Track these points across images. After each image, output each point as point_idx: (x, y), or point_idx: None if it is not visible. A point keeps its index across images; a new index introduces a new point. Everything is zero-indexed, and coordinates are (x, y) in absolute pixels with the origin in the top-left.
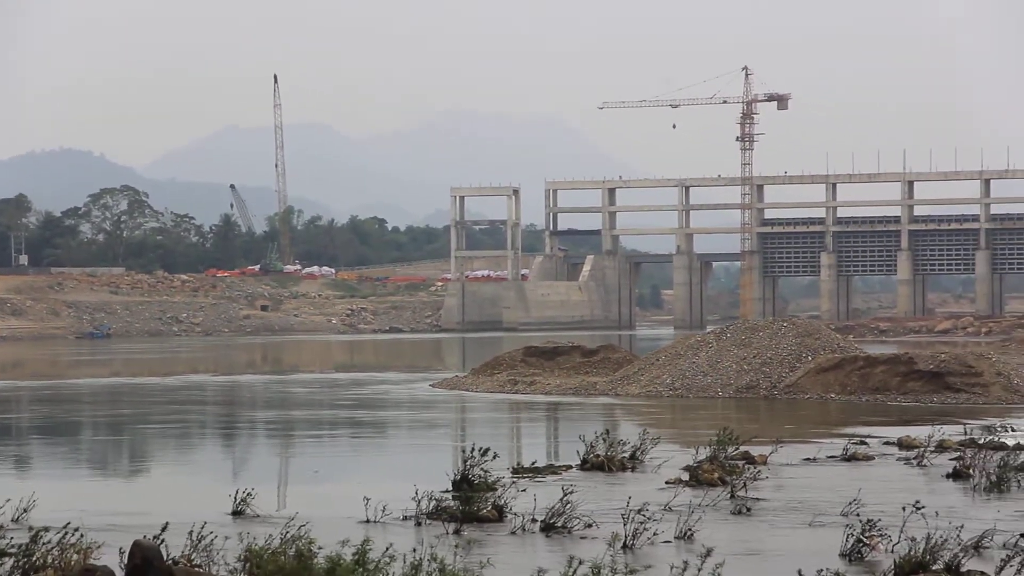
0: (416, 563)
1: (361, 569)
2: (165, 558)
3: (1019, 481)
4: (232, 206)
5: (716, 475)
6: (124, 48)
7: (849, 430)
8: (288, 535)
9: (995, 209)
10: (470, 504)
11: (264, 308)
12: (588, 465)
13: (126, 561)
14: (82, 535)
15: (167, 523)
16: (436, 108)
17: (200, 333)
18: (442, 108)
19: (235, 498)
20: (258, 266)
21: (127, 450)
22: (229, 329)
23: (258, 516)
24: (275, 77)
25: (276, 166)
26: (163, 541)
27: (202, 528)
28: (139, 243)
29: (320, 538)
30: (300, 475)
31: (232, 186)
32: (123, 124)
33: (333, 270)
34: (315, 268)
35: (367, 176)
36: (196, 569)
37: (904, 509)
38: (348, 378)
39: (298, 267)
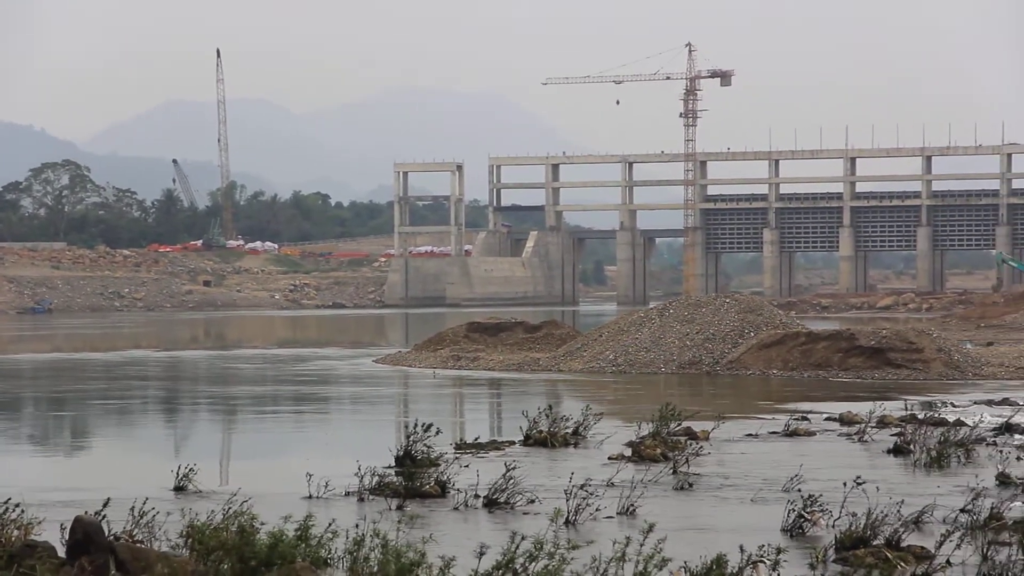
0: (359, 539)
1: (304, 544)
2: (107, 534)
3: (959, 456)
4: (175, 181)
5: (658, 451)
6: (65, 22)
7: (791, 406)
8: (230, 511)
9: (936, 186)
10: (413, 480)
11: (207, 283)
12: (531, 441)
13: (67, 537)
14: (23, 511)
15: (108, 499)
16: (380, 83)
17: (142, 308)
18: (386, 83)
19: (177, 474)
20: (200, 241)
21: (68, 426)
22: (171, 304)
23: (200, 492)
24: (218, 52)
25: (219, 141)
26: (104, 517)
27: (144, 504)
28: (81, 218)
29: (262, 514)
30: (242, 451)
31: (174, 161)
32: (64, 98)
33: (276, 246)
34: (258, 244)
35: (310, 151)
36: (138, 545)
37: (845, 484)
38: (291, 354)
39: (241, 242)
